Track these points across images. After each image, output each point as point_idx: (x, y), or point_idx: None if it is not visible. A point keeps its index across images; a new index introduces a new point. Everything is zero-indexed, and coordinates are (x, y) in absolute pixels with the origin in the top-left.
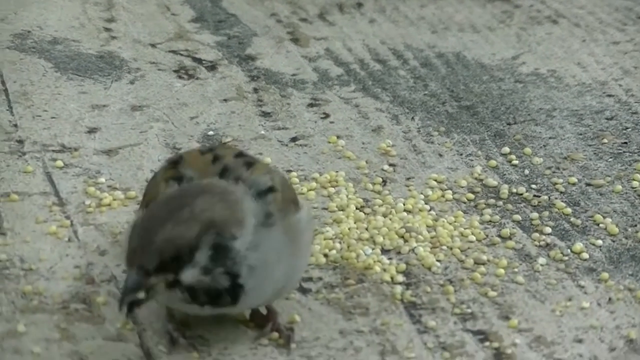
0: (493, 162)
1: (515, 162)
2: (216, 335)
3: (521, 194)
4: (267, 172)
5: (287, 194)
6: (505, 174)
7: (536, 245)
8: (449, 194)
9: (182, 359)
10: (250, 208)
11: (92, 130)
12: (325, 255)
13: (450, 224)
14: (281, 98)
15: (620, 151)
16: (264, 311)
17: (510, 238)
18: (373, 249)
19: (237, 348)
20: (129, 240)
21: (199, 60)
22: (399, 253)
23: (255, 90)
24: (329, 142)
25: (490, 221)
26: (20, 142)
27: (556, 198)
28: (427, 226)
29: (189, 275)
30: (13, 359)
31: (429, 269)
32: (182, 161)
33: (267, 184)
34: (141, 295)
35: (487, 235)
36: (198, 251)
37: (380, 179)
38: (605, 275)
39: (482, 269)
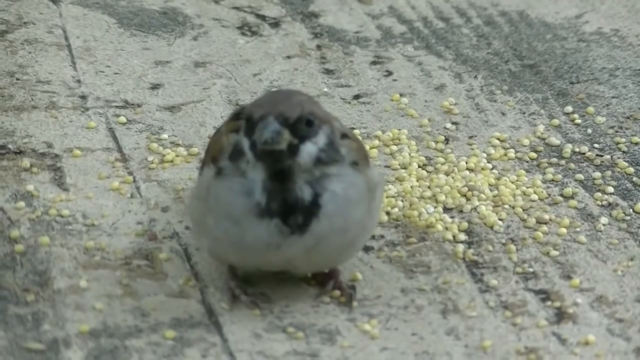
0: (556, 121)
1: (578, 121)
2: (278, 293)
3: (584, 153)
4: (336, 119)
5: (361, 146)
6: (567, 133)
7: (598, 205)
8: (511, 153)
9: (244, 315)
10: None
11: (155, 87)
12: (388, 213)
13: (512, 182)
14: (344, 55)
15: None
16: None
17: (572, 197)
18: (435, 207)
19: (299, 306)
20: (257, 105)
21: (262, 17)
22: (461, 212)
23: (318, 47)
24: (392, 100)
25: (552, 180)
26: (84, 97)
27: (619, 157)
28: (490, 185)
29: (309, 149)
30: (75, 315)
31: (491, 227)
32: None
33: (342, 130)
34: (282, 145)
35: (549, 195)
36: (321, 131)
37: (443, 137)
38: None
39: (544, 228)
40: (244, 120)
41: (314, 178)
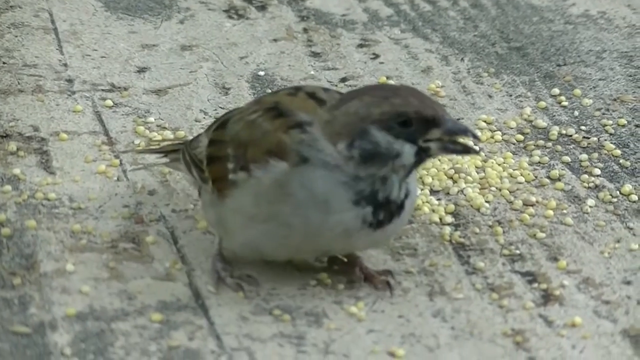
0: (543, 104)
1: (565, 103)
2: (264, 276)
3: (570, 136)
4: None
5: None
6: (554, 115)
7: (585, 187)
8: (498, 135)
9: (230, 298)
10: None
11: (141, 70)
12: None
13: (499, 164)
14: (331, 38)
15: None
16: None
17: (559, 179)
18: (422, 189)
19: (285, 289)
20: (408, 105)
21: (249, 0)
22: (447, 194)
23: (305, 30)
24: (379, 83)
25: (539, 162)
26: (70, 81)
27: (605, 140)
28: (476, 167)
29: (435, 145)
30: (61, 298)
31: (478, 210)
32: (281, 105)
33: None
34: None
35: (536, 177)
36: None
37: None
38: None
39: (531, 210)
40: (398, 123)
41: (405, 179)
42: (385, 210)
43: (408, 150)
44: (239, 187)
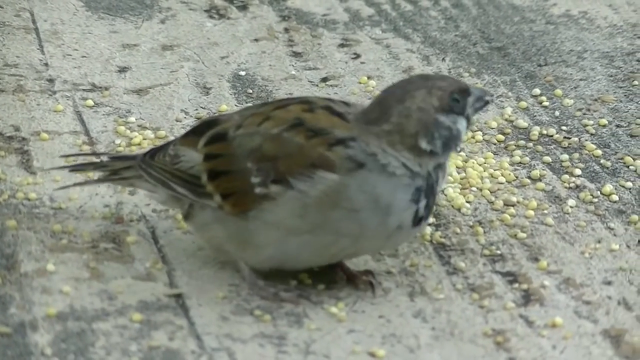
0: (523, 104)
1: (546, 103)
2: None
3: (551, 136)
4: None
5: None
6: (535, 116)
7: (566, 187)
8: (479, 135)
9: (211, 298)
10: None
11: (122, 70)
12: None
13: (480, 165)
14: (312, 38)
15: None
16: None
17: (540, 180)
18: None
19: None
20: (446, 82)
21: (230, 0)
22: None
23: (286, 30)
24: (360, 83)
25: (520, 163)
26: (51, 81)
27: (586, 140)
28: (457, 167)
29: (470, 111)
30: (42, 298)
31: (459, 210)
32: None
33: None
34: None
35: (517, 177)
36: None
37: None
38: (635, 217)
39: (512, 210)
40: (452, 102)
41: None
42: (431, 203)
43: (463, 124)
44: (275, 200)
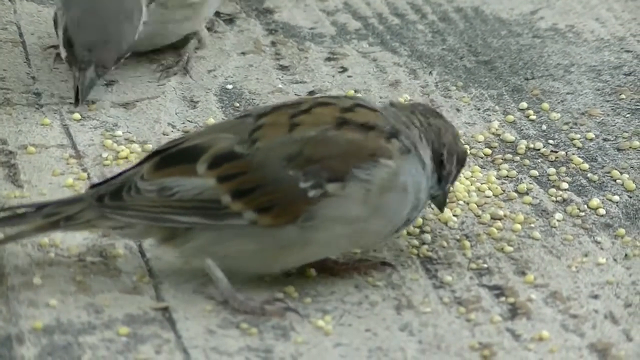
0: (510, 117)
1: (533, 117)
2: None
3: (538, 150)
4: None
5: None
6: (522, 129)
7: (553, 201)
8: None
9: (198, 312)
10: None
11: (109, 83)
12: None
13: (467, 178)
14: (299, 52)
15: (638, 107)
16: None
17: (527, 193)
18: None
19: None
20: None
21: (217, 13)
22: None
23: (273, 43)
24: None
25: (507, 176)
26: (38, 94)
27: (573, 154)
28: None
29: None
30: (28, 311)
31: (446, 223)
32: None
33: None
34: None
35: (504, 191)
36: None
37: None
38: (622, 231)
39: (499, 224)
40: None
41: None
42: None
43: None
44: (334, 196)
